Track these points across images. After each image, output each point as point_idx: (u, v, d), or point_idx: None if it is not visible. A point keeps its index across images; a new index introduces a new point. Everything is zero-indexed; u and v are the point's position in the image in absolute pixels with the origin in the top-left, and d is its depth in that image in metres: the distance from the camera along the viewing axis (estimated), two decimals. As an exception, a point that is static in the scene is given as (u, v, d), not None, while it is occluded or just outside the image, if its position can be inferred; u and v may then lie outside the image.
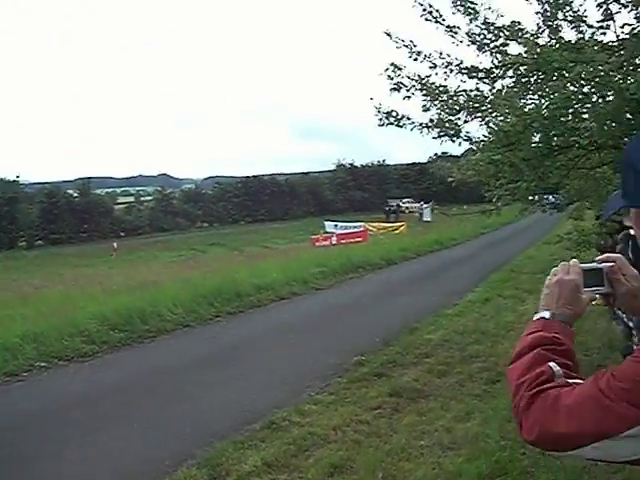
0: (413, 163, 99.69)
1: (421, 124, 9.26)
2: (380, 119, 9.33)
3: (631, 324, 8.98)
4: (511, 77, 9.54)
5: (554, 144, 8.69)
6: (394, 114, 9.26)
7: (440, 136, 9.43)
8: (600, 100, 8.23)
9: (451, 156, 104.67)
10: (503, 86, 9.57)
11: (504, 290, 17.44)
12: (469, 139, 10.10)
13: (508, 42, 9.29)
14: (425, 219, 62.81)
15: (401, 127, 9.31)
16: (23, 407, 8.79)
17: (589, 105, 8.35)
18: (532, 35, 9.14)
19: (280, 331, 13.34)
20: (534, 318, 1.87)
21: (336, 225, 52.02)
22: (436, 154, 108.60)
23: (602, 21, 8.88)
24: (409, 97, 9.26)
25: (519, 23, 9.26)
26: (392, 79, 9.14)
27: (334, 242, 41.05)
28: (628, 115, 8.17)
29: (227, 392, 9.20)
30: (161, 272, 23.33)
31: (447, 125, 9.08)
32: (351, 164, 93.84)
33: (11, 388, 9.61)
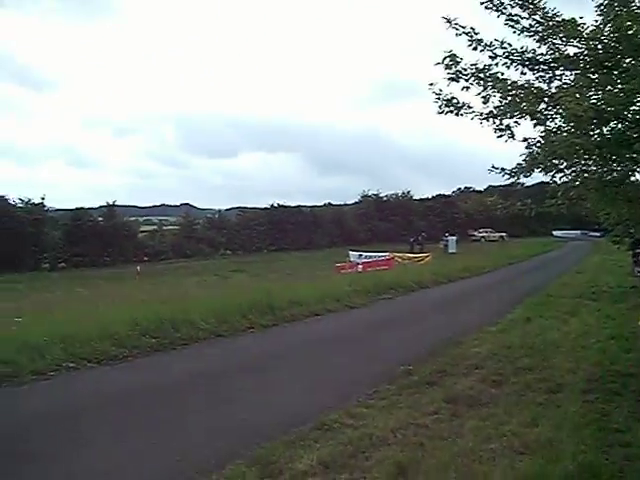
0: (438, 195, 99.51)
1: (481, 114, 8.83)
2: (440, 106, 8.92)
3: None
4: (572, 72, 9.14)
5: (626, 134, 8.27)
6: (454, 102, 8.83)
7: (499, 129, 9.02)
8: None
9: (474, 191, 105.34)
10: (561, 83, 9.20)
11: (544, 312, 16.87)
12: (525, 139, 9.74)
13: (568, 39, 8.88)
14: (450, 250, 62.37)
15: (459, 116, 8.88)
16: (47, 405, 8.31)
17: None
18: (593, 31, 8.75)
19: (317, 343, 12.89)
20: None
21: (360, 255, 51.23)
22: (459, 188, 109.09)
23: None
24: (468, 88, 8.86)
25: (580, 19, 8.88)
26: (450, 68, 8.74)
27: (359, 270, 40.33)
28: None
29: (269, 396, 8.68)
30: (186, 292, 22.76)
31: (508, 115, 8.66)
32: (376, 195, 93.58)
33: (37, 386, 9.12)
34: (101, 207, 70.74)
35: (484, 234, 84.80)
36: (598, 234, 67.84)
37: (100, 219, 66.71)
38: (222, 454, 6.18)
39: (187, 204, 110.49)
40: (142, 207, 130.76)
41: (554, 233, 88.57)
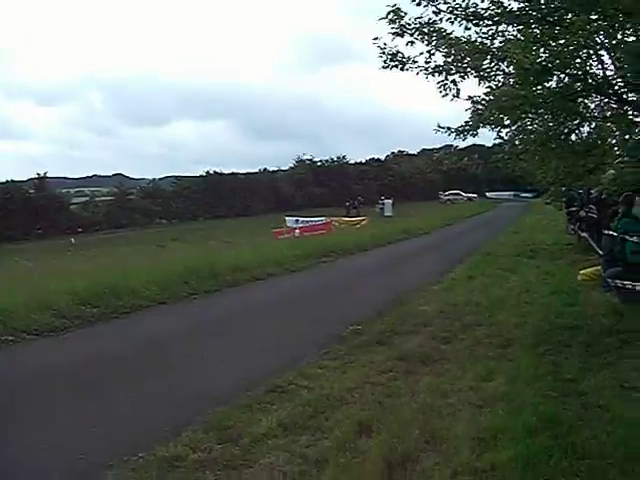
0: (372, 159, 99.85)
1: (426, 69, 8.72)
2: (385, 61, 8.77)
3: None
4: (516, 27, 9.10)
5: (571, 88, 8.27)
6: (399, 56, 8.69)
7: (444, 86, 8.94)
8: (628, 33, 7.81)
9: (408, 154, 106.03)
10: (505, 38, 9.15)
11: (485, 270, 17.08)
12: (470, 97, 9.69)
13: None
14: (387, 214, 62.77)
15: (405, 70, 8.76)
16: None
17: (614, 42, 7.93)
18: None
19: (263, 307, 12.72)
20: None
21: (297, 220, 51.13)
22: (393, 152, 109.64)
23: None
24: (412, 43, 8.73)
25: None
26: (394, 23, 8.58)
27: (297, 235, 40.22)
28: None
29: (218, 361, 8.51)
30: (125, 261, 22.24)
31: (453, 70, 8.57)
32: (311, 160, 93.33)
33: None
34: (31, 179, 68.95)
35: (450, 197, 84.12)
36: (530, 195, 69.19)
37: (31, 191, 65.06)
38: (177, 421, 5.97)
39: (120, 174, 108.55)
40: (74, 178, 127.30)
41: (487, 194, 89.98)
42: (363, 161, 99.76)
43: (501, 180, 79.33)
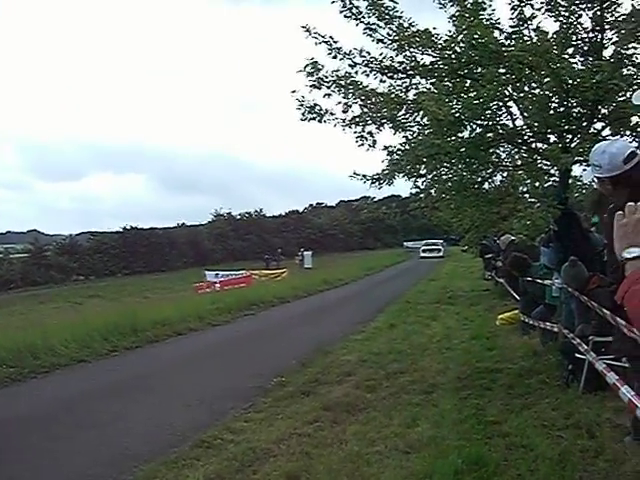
0: (291, 212, 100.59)
1: (344, 120, 8.92)
2: (303, 113, 8.93)
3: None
4: (429, 80, 9.41)
5: (483, 138, 8.58)
6: (317, 109, 8.86)
7: (360, 137, 9.14)
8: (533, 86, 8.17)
9: (326, 206, 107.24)
10: (418, 90, 9.45)
11: (406, 318, 17.34)
12: (386, 147, 9.91)
13: (424, 48, 9.13)
14: (306, 265, 63.04)
15: (322, 122, 8.94)
16: None
17: (519, 94, 8.29)
18: (446, 41, 9.03)
19: (185, 362, 12.56)
20: (629, 257, 1.91)
21: (217, 274, 50.78)
22: (311, 205, 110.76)
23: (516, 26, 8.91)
24: (329, 95, 8.92)
25: (434, 29, 9.16)
26: (312, 75, 8.77)
27: (217, 289, 39.95)
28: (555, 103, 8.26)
29: (141, 418, 8.34)
30: (42, 320, 21.65)
31: (369, 121, 8.79)
32: (229, 214, 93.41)
33: None
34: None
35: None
36: (445, 243, 71.06)
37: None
38: (100, 481, 5.83)
39: (35, 230, 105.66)
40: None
41: (405, 244, 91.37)
42: (283, 213, 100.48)
43: (418, 229, 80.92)
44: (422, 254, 65.56)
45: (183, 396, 9.47)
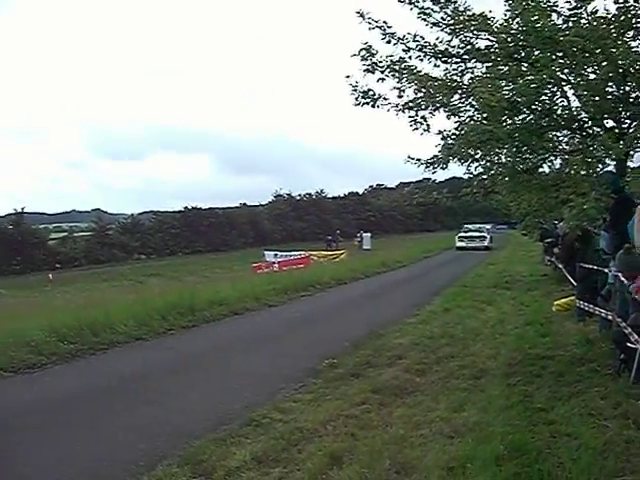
0: (351, 193, 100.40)
1: (397, 105, 8.94)
2: (356, 98, 8.98)
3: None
4: (484, 64, 9.34)
5: (538, 124, 8.51)
6: (371, 93, 8.90)
7: (414, 121, 9.15)
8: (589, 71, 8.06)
9: (386, 188, 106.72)
10: (473, 75, 9.41)
11: (461, 302, 17.26)
12: (440, 132, 9.90)
13: (479, 32, 9.08)
14: (365, 247, 62.96)
15: (376, 107, 8.97)
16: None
17: (576, 78, 8.18)
18: (502, 25, 8.95)
19: (240, 341, 12.76)
20: None
21: (276, 254, 51.13)
22: (371, 186, 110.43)
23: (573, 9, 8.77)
24: (383, 79, 8.95)
25: (489, 12, 9.09)
26: (366, 60, 8.81)
27: (276, 269, 40.21)
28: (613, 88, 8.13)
29: (195, 396, 8.57)
30: (103, 297, 22.18)
31: (423, 106, 8.79)
32: (289, 195, 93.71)
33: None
34: (9, 215, 68.43)
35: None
36: (505, 227, 69.82)
37: (9, 227, 64.60)
38: (151, 455, 6.05)
39: (98, 209, 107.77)
40: (52, 214, 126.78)
41: (465, 226, 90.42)
42: (342, 195, 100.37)
43: (478, 212, 79.93)
44: (458, 243, 48.30)
45: (236, 375, 9.69)
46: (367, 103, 9.03)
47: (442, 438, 6.12)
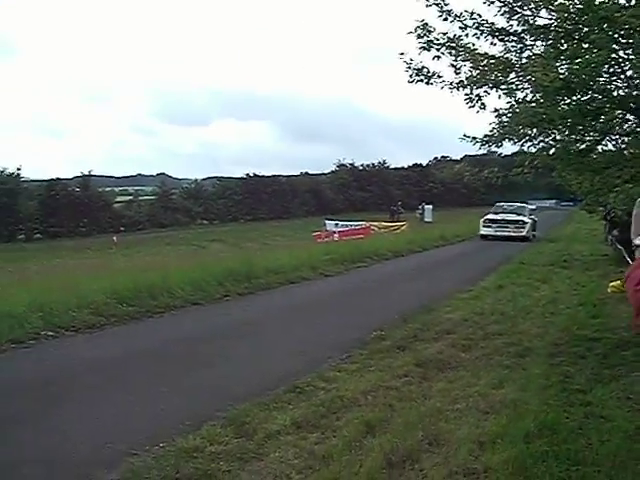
0: (414, 165, 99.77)
1: (451, 83, 9.00)
2: (410, 75, 9.07)
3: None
4: (542, 43, 9.31)
5: (591, 106, 8.48)
6: (425, 71, 8.98)
7: (469, 99, 9.20)
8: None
9: (451, 160, 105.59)
10: (532, 54, 9.37)
11: (517, 279, 17.27)
12: (496, 110, 9.92)
13: (538, 9, 9.03)
14: (426, 219, 62.80)
15: (430, 85, 9.05)
16: (30, 372, 8.41)
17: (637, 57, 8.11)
18: (561, 4, 8.88)
19: (293, 310, 13.09)
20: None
21: (337, 224, 51.43)
22: (436, 158, 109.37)
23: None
24: (439, 57, 9.01)
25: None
26: (421, 37, 8.88)
27: (336, 239, 40.45)
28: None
29: (244, 361, 8.90)
30: (164, 261, 22.77)
31: (478, 85, 8.84)
32: (352, 164, 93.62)
33: (17, 354, 9.18)
34: (76, 177, 70.13)
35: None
36: (571, 203, 68.46)
37: (76, 189, 66.27)
38: (198, 416, 6.33)
39: (163, 174, 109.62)
40: (118, 177, 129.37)
41: (530, 202, 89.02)
42: (406, 166, 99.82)
43: (544, 188, 78.55)
44: (483, 230, 35.18)
45: (285, 343, 9.97)
46: (421, 80, 9.10)
47: (477, 413, 6.28)
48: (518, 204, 39.09)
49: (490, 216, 35.87)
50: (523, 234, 33.73)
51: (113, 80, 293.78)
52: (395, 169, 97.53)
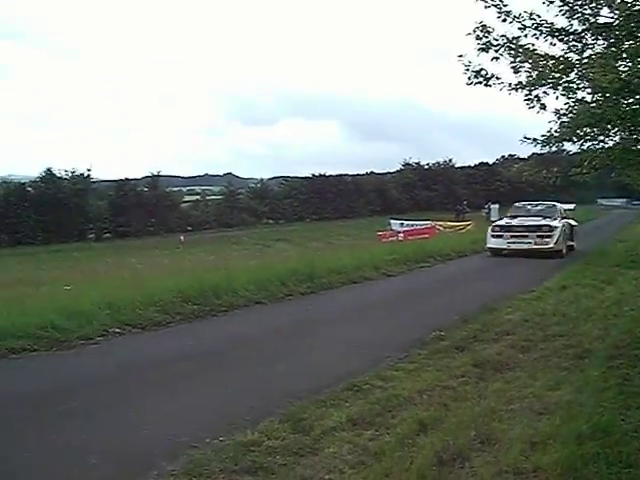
0: (481, 163, 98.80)
1: (510, 84, 9.01)
2: (469, 77, 9.12)
3: None
4: (604, 42, 9.24)
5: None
6: (483, 72, 9.02)
7: (529, 100, 9.20)
8: None
9: (518, 158, 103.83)
10: (592, 53, 9.31)
11: (581, 280, 16.96)
12: (557, 111, 9.88)
13: (600, 6, 8.96)
14: (493, 218, 62.01)
15: (488, 87, 9.08)
16: (97, 367, 8.83)
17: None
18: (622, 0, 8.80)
19: (353, 310, 13.22)
20: None
21: (402, 223, 51.30)
22: (503, 156, 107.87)
23: None
24: (497, 58, 9.03)
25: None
26: (480, 39, 8.92)
27: (401, 238, 40.36)
28: None
29: (305, 359, 9.13)
30: (230, 261, 23.17)
31: (537, 86, 8.84)
32: (417, 163, 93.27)
33: (85, 350, 9.60)
34: (145, 177, 71.51)
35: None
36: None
37: (145, 189, 67.63)
38: (257, 412, 6.57)
39: (230, 174, 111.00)
40: (186, 177, 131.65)
41: (598, 201, 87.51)
42: (471, 165, 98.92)
43: (612, 186, 76.94)
44: (490, 242, 25.02)
45: (345, 342, 10.13)
46: (480, 82, 9.14)
47: (531, 414, 6.33)
48: (547, 204, 27.88)
49: (502, 221, 26.24)
50: (550, 246, 23.44)
51: (181, 82, 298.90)
52: (461, 168, 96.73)
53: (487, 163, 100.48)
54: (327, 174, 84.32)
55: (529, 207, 27.43)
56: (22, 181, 62.90)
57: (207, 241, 49.98)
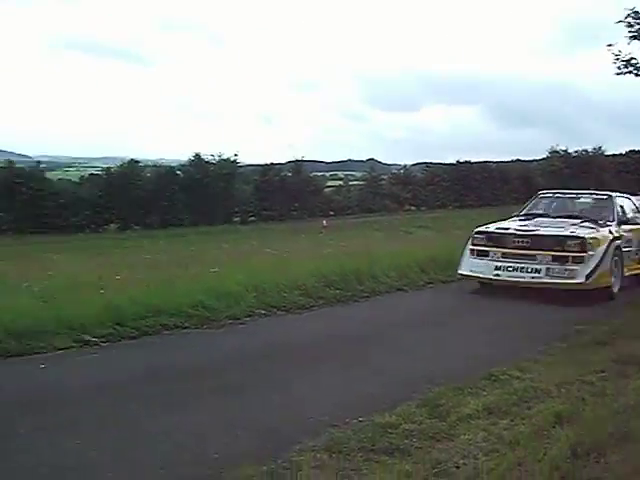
0: (632, 151, 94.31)
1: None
2: (618, 67, 8.95)
3: None
4: None
5: None
6: (634, 62, 8.81)
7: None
8: None
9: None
10: None
11: None
12: None
13: None
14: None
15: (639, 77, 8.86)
16: (245, 346, 9.41)
17: None
18: None
19: (496, 300, 13.00)
20: None
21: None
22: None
23: None
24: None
25: None
26: (632, 26, 8.70)
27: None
28: None
29: (444, 348, 9.30)
30: (371, 246, 23.44)
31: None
32: (565, 151, 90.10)
33: (233, 329, 10.19)
34: (289, 162, 72.57)
35: None
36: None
37: (289, 174, 68.80)
38: (395, 396, 6.82)
39: (372, 159, 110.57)
40: (328, 162, 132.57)
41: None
42: (622, 152, 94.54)
43: None
44: (464, 266, 13.95)
45: (486, 332, 10.20)
46: (630, 72, 8.94)
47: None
48: (597, 194, 16.28)
49: (494, 225, 14.79)
50: (577, 281, 12.50)
51: (322, 67, 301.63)
52: (612, 156, 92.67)
53: (639, 151, 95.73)
54: (471, 160, 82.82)
55: (563, 199, 16.32)
56: (172, 164, 65.33)
57: (349, 226, 50.28)
